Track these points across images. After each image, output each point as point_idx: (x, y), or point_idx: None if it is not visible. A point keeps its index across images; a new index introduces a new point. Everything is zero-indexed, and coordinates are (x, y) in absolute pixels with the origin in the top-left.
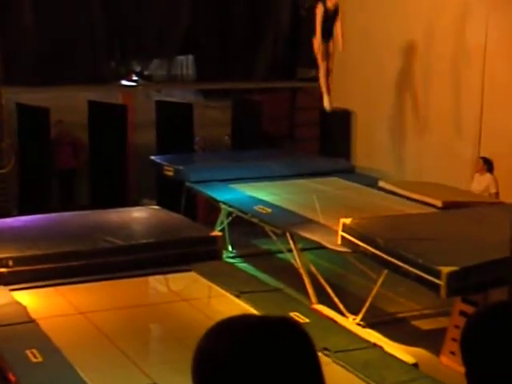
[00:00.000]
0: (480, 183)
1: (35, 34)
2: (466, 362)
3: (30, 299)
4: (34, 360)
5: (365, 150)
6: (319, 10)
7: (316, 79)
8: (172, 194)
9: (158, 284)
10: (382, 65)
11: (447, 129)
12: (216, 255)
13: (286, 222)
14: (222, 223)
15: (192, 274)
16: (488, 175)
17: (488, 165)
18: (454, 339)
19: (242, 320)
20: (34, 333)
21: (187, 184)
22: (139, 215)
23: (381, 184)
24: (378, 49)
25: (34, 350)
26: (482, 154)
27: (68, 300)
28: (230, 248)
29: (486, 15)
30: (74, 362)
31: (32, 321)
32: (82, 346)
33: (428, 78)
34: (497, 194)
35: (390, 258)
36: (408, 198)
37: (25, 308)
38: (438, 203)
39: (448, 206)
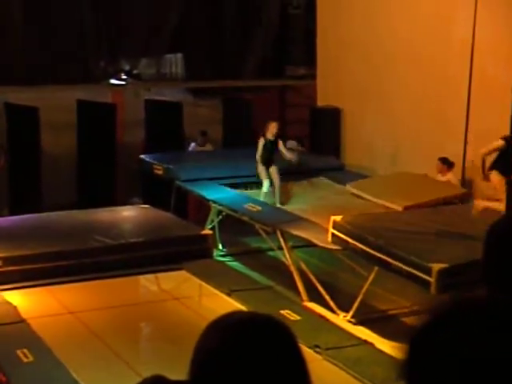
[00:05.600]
0: None
1: (24, 32)
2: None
3: (21, 299)
4: (25, 360)
5: (354, 147)
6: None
7: (305, 77)
8: (161, 193)
9: (148, 283)
10: (371, 63)
11: (435, 126)
12: (206, 254)
13: (276, 219)
14: (212, 222)
15: (183, 273)
16: (450, 175)
17: (447, 164)
18: None
19: (227, 319)
20: (25, 333)
21: (177, 183)
22: (129, 214)
23: (347, 188)
24: (368, 48)
25: (25, 350)
26: (469, 151)
27: (58, 300)
28: (220, 246)
29: (473, 10)
30: (65, 361)
31: (22, 321)
32: (72, 345)
33: (417, 75)
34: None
35: (380, 255)
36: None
37: (15, 308)
38: (399, 208)
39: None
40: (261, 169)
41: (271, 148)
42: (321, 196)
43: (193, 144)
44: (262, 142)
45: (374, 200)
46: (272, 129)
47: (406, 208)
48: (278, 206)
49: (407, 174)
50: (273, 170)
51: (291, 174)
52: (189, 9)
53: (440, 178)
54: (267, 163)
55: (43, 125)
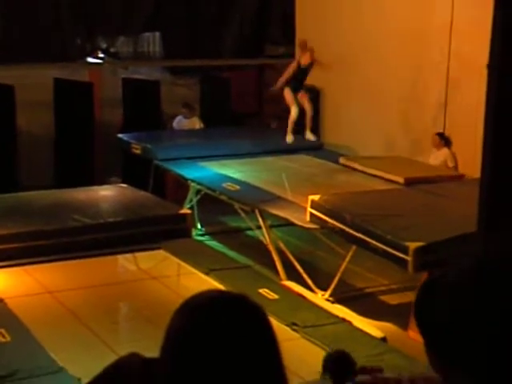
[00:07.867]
0: (437, 158)
1: None
2: (422, 332)
3: None
4: (2, 339)
5: (333, 127)
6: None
7: (284, 56)
8: (140, 172)
9: (127, 262)
10: (350, 43)
11: (414, 106)
12: (185, 233)
13: (255, 199)
14: (190, 201)
15: (161, 252)
16: (445, 150)
17: (444, 140)
18: None
19: (197, 298)
20: (2, 312)
21: (155, 162)
22: (107, 193)
23: (342, 161)
24: (347, 27)
25: (2, 330)
26: (447, 131)
27: (36, 279)
28: (199, 226)
29: None
30: (43, 341)
31: (0, 300)
32: (50, 325)
33: (395, 56)
34: (455, 167)
35: (357, 234)
36: (369, 175)
37: None
38: (400, 180)
39: (410, 182)
40: (288, 94)
41: (302, 75)
42: (307, 172)
43: (179, 117)
44: (294, 67)
45: (373, 172)
46: (307, 56)
47: (407, 180)
48: (311, 137)
49: (401, 157)
50: (303, 96)
51: (268, 152)
52: None
53: (435, 152)
54: (295, 89)
55: (19, 104)
